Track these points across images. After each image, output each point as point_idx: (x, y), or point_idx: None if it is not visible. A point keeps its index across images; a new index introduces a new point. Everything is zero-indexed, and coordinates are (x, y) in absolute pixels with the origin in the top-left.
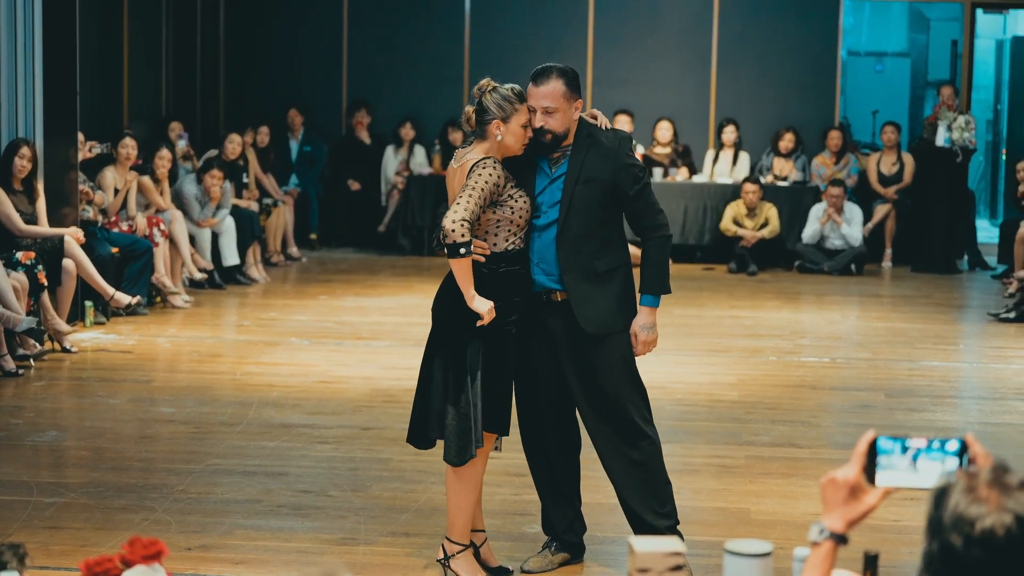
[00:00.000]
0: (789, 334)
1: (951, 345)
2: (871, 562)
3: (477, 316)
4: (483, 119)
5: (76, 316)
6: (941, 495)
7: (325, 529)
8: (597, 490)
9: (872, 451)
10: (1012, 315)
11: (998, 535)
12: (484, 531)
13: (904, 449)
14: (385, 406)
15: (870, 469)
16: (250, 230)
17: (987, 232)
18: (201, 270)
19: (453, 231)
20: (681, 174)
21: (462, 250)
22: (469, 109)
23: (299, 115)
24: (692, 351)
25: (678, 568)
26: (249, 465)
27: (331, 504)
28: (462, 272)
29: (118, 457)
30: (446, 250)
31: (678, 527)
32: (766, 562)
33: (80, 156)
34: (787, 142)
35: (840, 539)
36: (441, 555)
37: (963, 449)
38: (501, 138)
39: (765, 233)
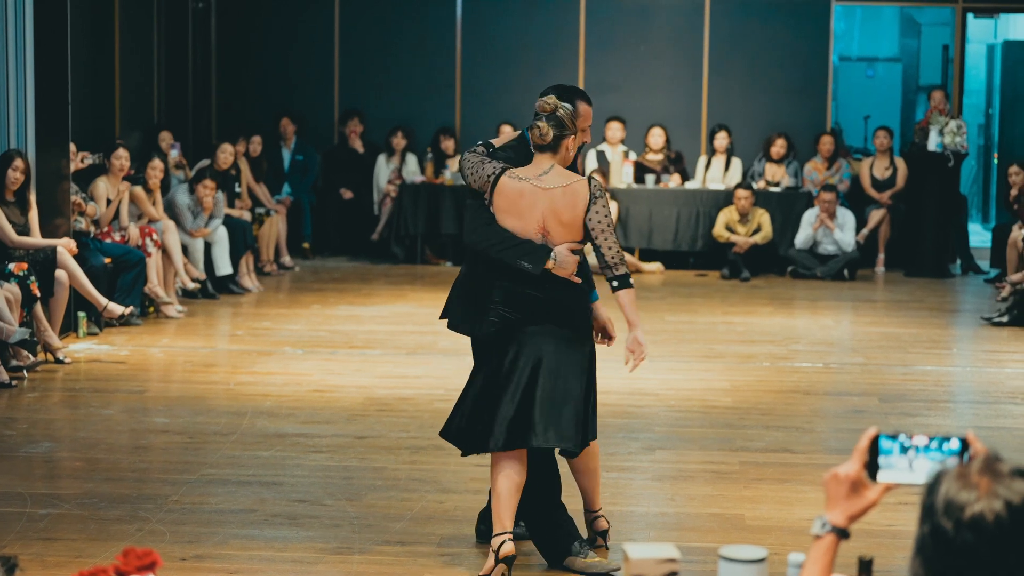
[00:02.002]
0: (782, 340)
1: (944, 349)
2: (866, 567)
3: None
4: (563, 134)
5: (69, 327)
6: (934, 482)
7: (320, 538)
8: None
9: (873, 448)
10: (1005, 319)
11: (987, 520)
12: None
13: (905, 447)
14: (379, 415)
15: (872, 466)
16: (243, 240)
17: (979, 236)
18: (194, 280)
19: (623, 263)
20: (674, 180)
21: (631, 280)
22: (544, 125)
23: (291, 124)
24: (685, 357)
25: (672, 575)
26: (243, 475)
27: (325, 513)
28: (634, 301)
29: (112, 468)
30: (619, 282)
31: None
32: (761, 568)
33: (72, 167)
34: (779, 148)
35: (842, 533)
36: (606, 526)
37: (964, 447)
38: (570, 152)
39: (758, 239)
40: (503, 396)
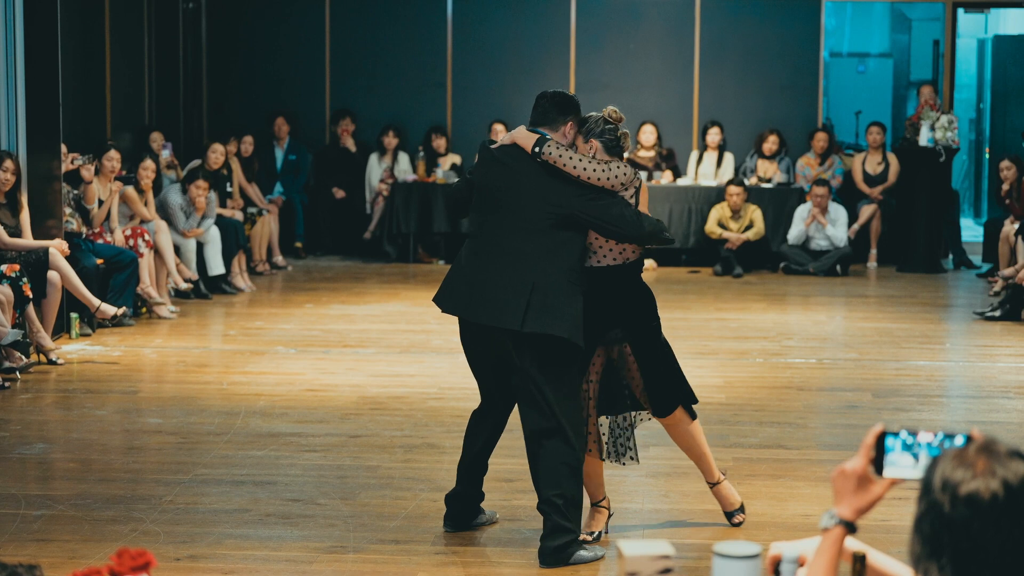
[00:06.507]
0: (775, 336)
1: (937, 344)
2: (859, 562)
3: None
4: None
5: (62, 328)
6: (934, 462)
7: (314, 537)
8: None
9: (879, 444)
10: (997, 313)
11: (983, 497)
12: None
13: (910, 443)
14: (372, 413)
15: (878, 461)
16: (235, 239)
17: (971, 231)
18: (186, 280)
19: None
20: (665, 177)
21: None
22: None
23: (286, 124)
24: (678, 354)
25: (667, 571)
26: (237, 474)
27: (320, 512)
28: None
29: (106, 468)
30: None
31: None
32: (755, 564)
33: (63, 168)
34: (771, 144)
35: (850, 526)
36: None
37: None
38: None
39: (750, 235)
40: None
